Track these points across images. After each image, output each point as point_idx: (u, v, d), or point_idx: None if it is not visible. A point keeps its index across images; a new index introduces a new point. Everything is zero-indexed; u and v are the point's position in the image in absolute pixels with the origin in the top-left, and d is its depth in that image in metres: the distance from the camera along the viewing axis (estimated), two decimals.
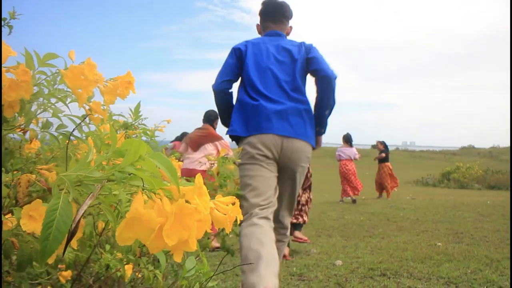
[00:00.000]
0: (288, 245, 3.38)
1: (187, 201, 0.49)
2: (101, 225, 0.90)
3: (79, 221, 0.48)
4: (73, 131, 0.70)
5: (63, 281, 1.11)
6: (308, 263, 3.13)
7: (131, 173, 0.48)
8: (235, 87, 2.17)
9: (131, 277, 1.20)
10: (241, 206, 0.62)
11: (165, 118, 1.64)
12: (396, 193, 9.83)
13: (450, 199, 8.39)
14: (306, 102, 2.08)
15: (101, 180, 0.49)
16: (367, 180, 11.89)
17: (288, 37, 2.28)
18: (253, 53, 2.08)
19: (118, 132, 1.11)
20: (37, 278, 1.02)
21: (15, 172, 0.71)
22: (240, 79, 2.14)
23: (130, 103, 1.31)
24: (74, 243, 0.54)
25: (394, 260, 3.20)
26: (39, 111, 0.74)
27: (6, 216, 0.62)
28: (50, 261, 0.49)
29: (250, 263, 1.73)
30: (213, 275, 0.88)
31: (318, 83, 2.07)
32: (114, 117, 1.17)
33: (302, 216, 3.56)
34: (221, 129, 5.24)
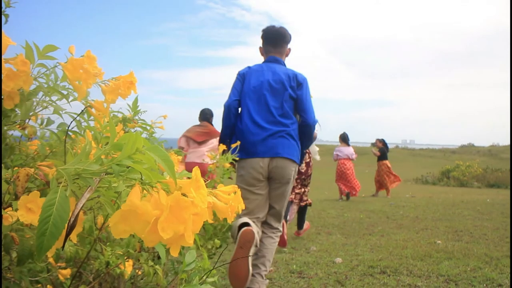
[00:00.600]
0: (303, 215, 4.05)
1: (184, 194, 0.48)
2: (100, 219, 0.89)
3: (78, 214, 0.48)
4: (69, 125, 0.70)
5: (62, 279, 1.11)
6: (308, 261, 3.13)
7: (129, 166, 0.48)
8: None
9: (131, 274, 1.20)
10: None
11: (162, 115, 1.64)
12: (395, 191, 9.84)
13: (449, 197, 8.39)
14: (292, 125, 2.38)
15: (99, 173, 0.49)
16: (367, 178, 11.90)
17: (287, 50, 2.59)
18: (254, 80, 2.39)
19: (117, 125, 1.11)
20: (37, 275, 1.02)
21: (15, 168, 0.71)
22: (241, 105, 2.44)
23: (128, 100, 1.31)
24: (74, 237, 0.54)
25: (394, 257, 3.20)
26: (40, 108, 0.74)
27: (6, 210, 0.62)
28: (50, 254, 0.49)
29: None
30: (212, 269, 0.88)
31: (300, 127, 2.43)
32: (113, 113, 1.17)
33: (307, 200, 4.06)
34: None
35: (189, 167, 4.04)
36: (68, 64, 0.65)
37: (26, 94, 0.68)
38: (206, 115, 4.57)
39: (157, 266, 0.98)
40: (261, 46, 2.58)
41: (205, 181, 0.51)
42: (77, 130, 0.81)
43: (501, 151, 28.28)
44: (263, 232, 2.35)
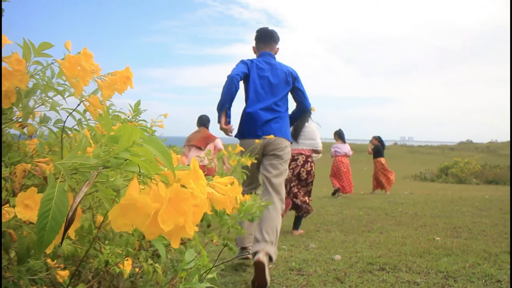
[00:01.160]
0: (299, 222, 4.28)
1: (183, 186, 0.48)
2: (99, 218, 0.89)
3: (76, 209, 0.48)
4: (65, 120, 0.69)
5: (60, 280, 1.11)
6: (307, 258, 3.14)
7: (127, 159, 0.47)
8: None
9: (131, 272, 1.20)
10: None
11: (163, 113, 1.64)
12: (394, 188, 9.85)
13: (448, 194, 8.41)
14: (285, 112, 2.93)
15: (97, 167, 0.49)
16: (365, 175, 11.90)
17: (278, 48, 3.08)
18: (257, 72, 2.87)
19: (116, 125, 1.11)
20: (36, 274, 1.02)
21: (12, 166, 0.71)
22: (245, 92, 2.94)
23: (129, 99, 1.32)
24: (72, 233, 0.53)
25: (393, 254, 3.21)
26: (36, 105, 0.73)
27: (4, 207, 0.61)
28: (48, 251, 0.48)
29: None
30: (212, 267, 0.88)
31: (298, 110, 3.08)
32: (114, 113, 1.16)
33: (308, 204, 4.28)
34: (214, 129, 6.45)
35: None
36: (65, 61, 0.64)
37: (25, 93, 0.67)
38: (203, 121, 5.16)
39: (156, 265, 0.98)
40: (254, 45, 3.07)
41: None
42: (77, 128, 0.81)
43: (500, 147, 28.34)
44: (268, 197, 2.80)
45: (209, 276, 0.88)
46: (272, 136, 2.77)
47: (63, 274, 1.14)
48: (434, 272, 2.72)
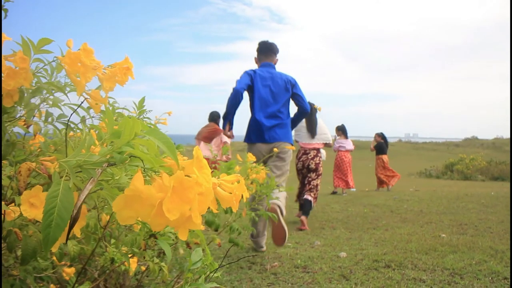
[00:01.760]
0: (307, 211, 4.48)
1: (187, 176, 0.47)
2: (105, 218, 0.89)
3: (80, 207, 0.47)
4: (70, 116, 0.69)
5: (66, 278, 1.11)
6: (312, 255, 3.13)
7: (131, 155, 0.47)
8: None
9: (136, 270, 1.20)
10: None
11: (167, 112, 1.63)
12: (399, 185, 9.81)
13: (453, 191, 8.37)
14: (287, 118, 3.35)
15: (101, 163, 0.48)
16: (370, 172, 11.87)
17: (278, 62, 3.47)
18: (260, 82, 3.24)
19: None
20: (42, 272, 1.02)
21: (17, 165, 0.70)
22: (250, 101, 3.35)
23: (133, 97, 1.31)
24: (77, 231, 0.53)
25: (399, 251, 3.19)
26: (38, 101, 0.73)
27: (9, 206, 0.61)
28: (54, 249, 0.48)
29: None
30: (218, 267, 0.87)
31: (298, 113, 3.49)
32: (117, 111, 1.16)
33: (314, 198, 4.59)
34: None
35: None
36: (66, 57, 0.63)
37: (30, 92, 0.67)
38: (214, 117, 5.66)
39: (162, 263, 0.98)
40: (256, 57, 3.47)
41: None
42: (80, 127, 0.80)
43: (505, 143, 28.13)
44: None
45: (215, 275, 0.87)
46: (276, 150, 3.11)
47: (69, 272, 1.14)
48: (440, 269, 2.70)
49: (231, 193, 0.55)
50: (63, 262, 1.04)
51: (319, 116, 4.78)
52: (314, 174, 4.61)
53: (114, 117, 1.08)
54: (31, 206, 0.52)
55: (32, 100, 0.69)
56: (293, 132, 4.36)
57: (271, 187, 2.16)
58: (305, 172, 4.65)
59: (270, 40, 3.46)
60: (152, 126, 1.32)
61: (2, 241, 0.62)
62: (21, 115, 0.70)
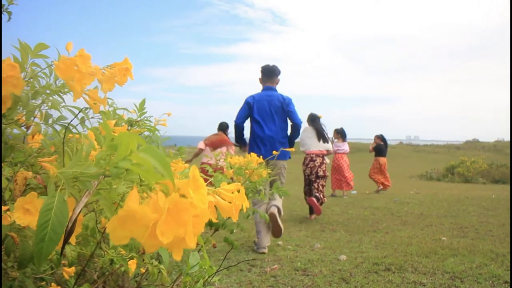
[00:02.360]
0: (319, 201, 4.96)
1: (183, 196, 0.46)
2: (104, 220, 0.89)
3: (76, 220, 0.46)
4: (71, 121, 0.68)
5: (66, 277, 1.10)
6: (312, 258, 3.13)
7: (127, 169, 0.46)
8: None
9: (135, 272, 1.20)
10: None
11: (166, 112, 1.63)
12: (400, 188, 9.79)
13: (454, 194, 8.35)
14: (286, 136, 3.89)
15: (98, 176, 0.47)
16: None
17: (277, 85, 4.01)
18: (257, 106, 3.80)
19: (122, 125, 1.10)
20: (41, 273, 1.02)
21: (16, 166, 0.70)
22: (250, 121, 3.88)
23: (134, 98, 1.31)
24: (73, 239, 0.52)
25: (399, 254, 3.19)
26: (39, 102, 0.72)
27: (5, 210, 0.61)
28: (47, 257, 0.48)
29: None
30: (216, 271, 0.87)
31: (292, 128, 3.93)
32: (118, 111, 1.16)
33: (323, 196, 5.11)
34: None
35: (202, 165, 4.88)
36: (60, 63, 0.62)
37: (31, 95, 0.66)
38: (222, 127, 6.07)
39: (161, 266, 0.97)
40: (260, 77, 3.96)
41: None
42: (80, 127, 0.80)
43: (506, 146, 28.05)
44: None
45: (214, 279, 0.87)
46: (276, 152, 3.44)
47: (70, 271, 1.14)
48: (441, 272, 2.69)
49: (230, 203, 0.54)
50: (62, 262, 1.04)
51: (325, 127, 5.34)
52: (323, 180, 5.19)
53: (114, 120, 1.07)
54: (25, 212, 0.51)
55: (28, 101, 0.68)
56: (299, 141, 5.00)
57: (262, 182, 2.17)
58: (314, 178, 5.14)
59: (271, 64, 3.97)
60: (151, 128, 1.32)
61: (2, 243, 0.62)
62: (19, 117, 0.70)
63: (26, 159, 0.69)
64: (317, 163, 5.13)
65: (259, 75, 4.03)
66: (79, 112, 0.75)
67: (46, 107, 0.76)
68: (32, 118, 0.75)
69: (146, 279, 1.31)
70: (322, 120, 5.36)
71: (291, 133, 3.97)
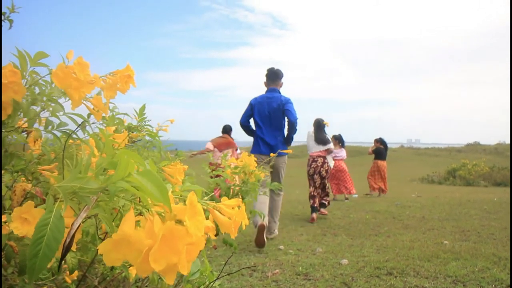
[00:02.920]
0: (324, 206, 5.69)
1: (179, 221, 0.46)
2: (104, 226, 0.88)
3: (73, 235, 0.46)
4: (75, 130, 0.68)
5: (68, 281, 1.10)
6: (313, 262, 3.12)
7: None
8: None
9: (136, 278, 1.19)
10: None
11: (169, 118, 1.63)
12: (401, 191, 9.77)
13: (456, 197, 8.33)
14: (283, 134, 4.17)
15: (96, 192, 0.47)
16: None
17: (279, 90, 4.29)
18: (258, 108, 4.15)
19: (122, 131, 1.10)
20: (42, 279, 1.02)
21: (16, 174, 0.70)
22: (253, 122, 4.24)
23: (134, 103, 1.31)
24: (73, 245, 0.52)
25: (401, 258, 3.17)
26: (38, 110, 0.72)
27: (3, 219, 0.60)
28: (40, 273, 0.47)
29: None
30: (218, 277, 0.86)
31: (288, 124, 4.14)
32: (118, 116, 1.16)
33: (328, 199, 5.74)
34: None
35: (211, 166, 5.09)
36: (58, 71, 0.61)
37: (31, 101, 0.66)
38: (226, 129, 6.41)
39: None
40: (265, 81, 4.25)
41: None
42: (82, 134, 0.80)
43: (508, 149, 27.96)
44: (272, 194, 4.14)
45: (215, 284, 0.87)
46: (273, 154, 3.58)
47: (72, 275, 1.13)
48: (443, 276, 2.68)
49: (230, 219, 0.54)
50: (64, 266, 1.03)
51: (326, 129, 5.79)
52: (326, 180, 5.71)
53: (114, 124, 1.07)
54: (23, 222, 0.51)
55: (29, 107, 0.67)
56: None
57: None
58: (317, 177, 5.63)
59: (276, 67, 4.27)
60: (152, 133, 1.32)
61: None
62: (20, 125, 0.70)
63: (27, 166, 0.69)
64: (319, 163, 5.62)
65: (264, 78, 4.30)
66: (83, 122, 0.75)
67: (47, 113, 0.76)
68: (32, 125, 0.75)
69: (147, 286, 1.30)
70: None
71: (287, 130, 4.18)
